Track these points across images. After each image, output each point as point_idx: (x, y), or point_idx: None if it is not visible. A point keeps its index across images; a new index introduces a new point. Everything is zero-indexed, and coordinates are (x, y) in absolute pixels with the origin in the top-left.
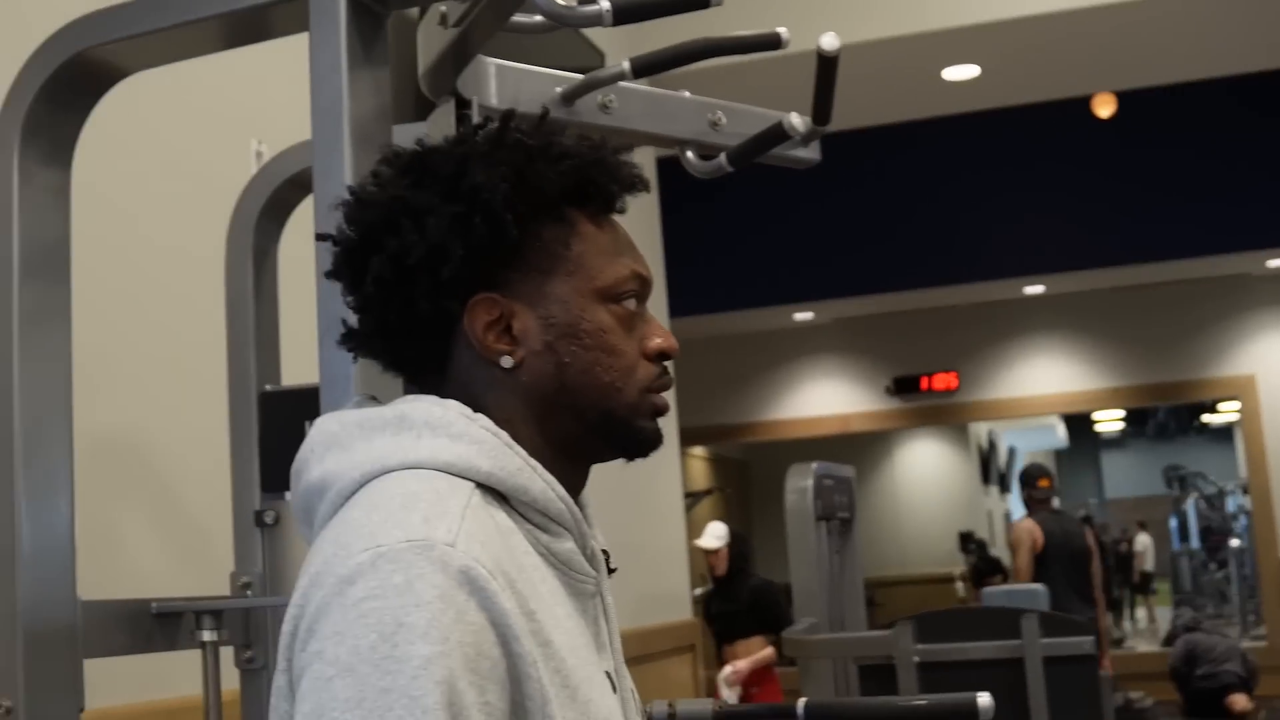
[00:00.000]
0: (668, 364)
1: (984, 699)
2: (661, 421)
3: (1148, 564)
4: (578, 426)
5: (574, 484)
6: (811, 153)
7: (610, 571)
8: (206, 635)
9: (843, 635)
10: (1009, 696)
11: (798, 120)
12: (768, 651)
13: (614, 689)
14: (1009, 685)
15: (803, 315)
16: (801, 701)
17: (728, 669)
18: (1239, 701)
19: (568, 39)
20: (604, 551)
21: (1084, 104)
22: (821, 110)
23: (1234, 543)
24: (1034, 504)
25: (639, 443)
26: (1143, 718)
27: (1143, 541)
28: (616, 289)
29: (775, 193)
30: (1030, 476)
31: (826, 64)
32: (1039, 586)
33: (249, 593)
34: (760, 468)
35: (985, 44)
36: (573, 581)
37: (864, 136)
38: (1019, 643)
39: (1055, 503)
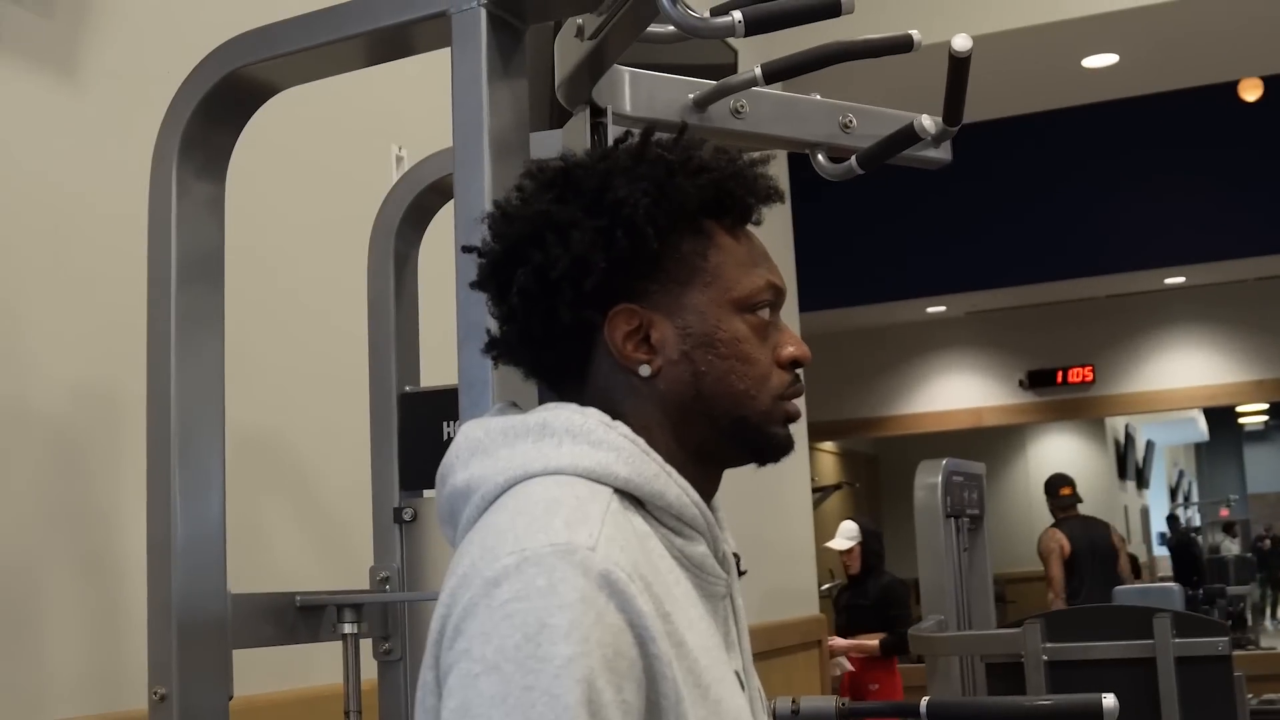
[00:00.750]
0: (800, 371)
1: (1109, 700)
2: (791, 426)
3: None
4: (712, 433)
5: (707, 489)
6: (943, 153)
7: (740, 574)
8: (347, 628)
9: (970, 633)
10: (1140, 697)
11: (929, 122)
12: (872, 641)
13: (742, 688)
14: (1140, 685)
15: (935, 308)
16: (925, 700)
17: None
18: None
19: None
20: (734, 554)
21: (1228, 89)
22: (953, 111)
23: None
24: (1059, 512)
25: (772, 448)
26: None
27: None
28: (752, 299)
29: (907, 184)
30: (1053, 486)
31: (958, 65)
32: (1174, 586)
33: (387, 587)
34: (890, 462)
35: (1124, 31)
36: (705, 583)
37: (1000, 126)
38: (1150, 642)
39: (1079, 509)
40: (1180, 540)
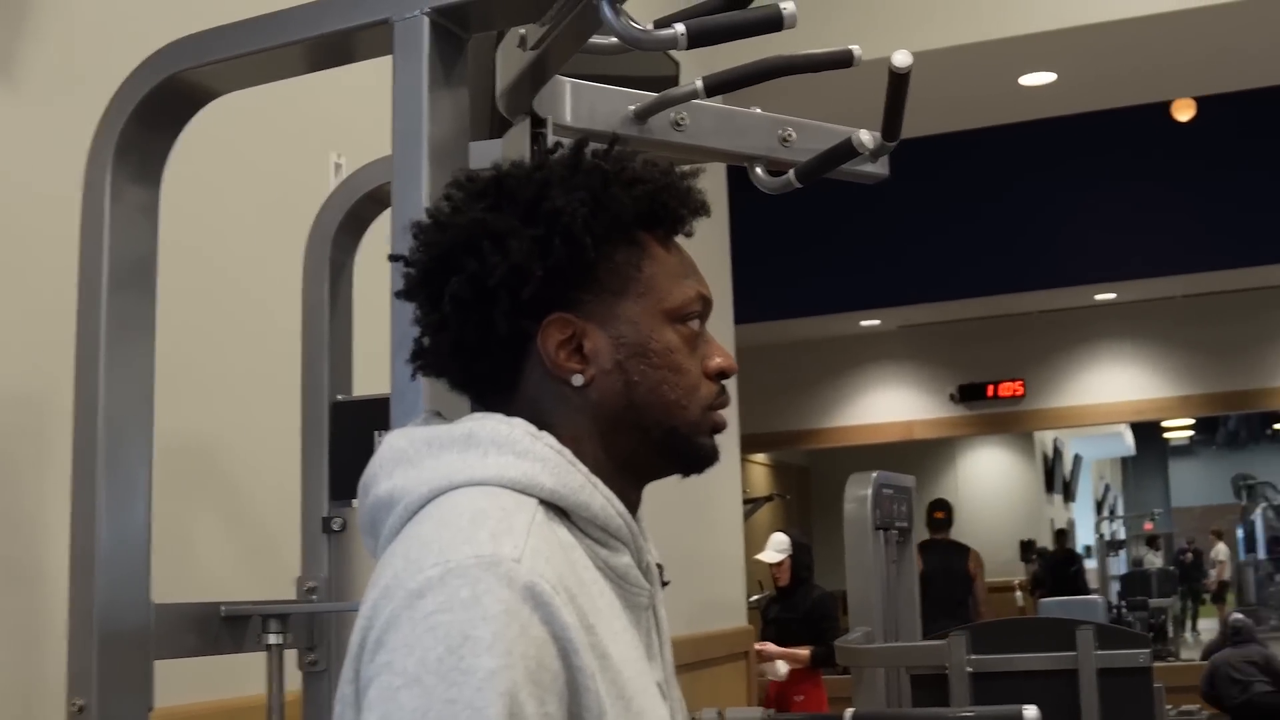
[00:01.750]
0: (725, 383)
1: (1030, 711)
2: (719, 436)
3: (1226, 574)
4: (642, 443)
5: (631, 500)
6: (880, 168)
7: (664, 584)
8: (272, 639)
9: (895, 645)
10: (1063, 708)
11: (867, 137)
12: (803, 652)
13: (664, 699)
14: (1063, 696)
15: (869, 322)
16: (849, 711)
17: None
18: None
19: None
20: (658, 565)
21: (1162, 109)
22: (892, 126)
23: None
24: (928, 533)
25: (699, 459)
26: None
27: (1221, 551)
28: (683, 310)
29: (844, 199)
30: (929, 508)
31: (898, 81)
32: (1097, 598)
33: (314, 597)
34: (822, 474)
35: (1062, 50)
36: (628, 594)
37: (937, 141)
38: (1074, 654)
39: (948, 533)
40: (1059, 557)
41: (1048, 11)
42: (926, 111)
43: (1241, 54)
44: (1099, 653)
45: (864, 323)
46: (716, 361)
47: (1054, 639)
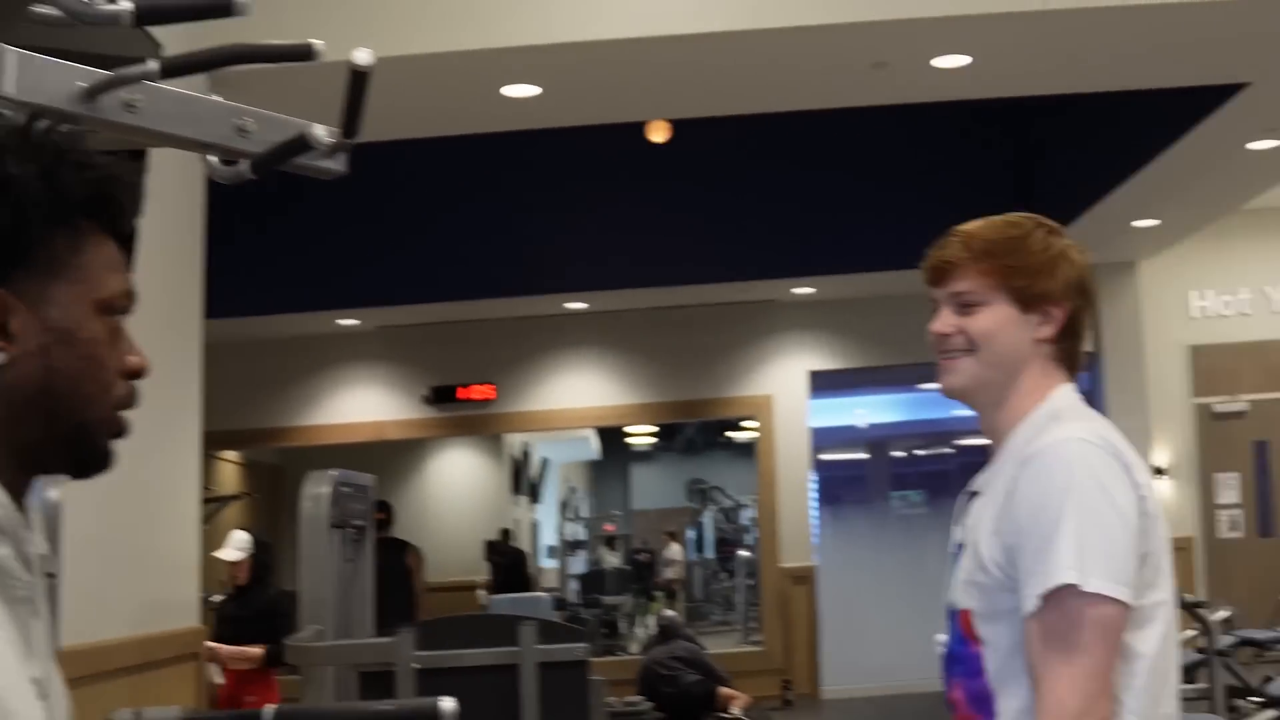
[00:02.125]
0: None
1: (447, 704)
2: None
3: (679, 572)
4: (48, 433)
5: (19, 489)
6: (338, 164)
7: (49, 577)
8: None
9: (342, 642)
10: (507, 702)
11: (323, 131)
12: (256, 651)
13: (43, 696)
14: (507, 690)
15: (346, 321)
16: (269, 707)
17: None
18: (726, 696)
19: (129, 30)
20: (42, 557)
21: (639, 129)
22: (350, 123)
23: (743, 553)
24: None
25: (95, 461)
26: None
27: (675, 551)
28: (114, 302)
29: (326, 198)
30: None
31: (358, 78)
32: (544, 595)
33: None
34: (296, 474)
35: (544, 64)
36: (5, 587)
37: (420, 147)
38: (517, 649)
39: (389, 531)
40: (514, 559)
41: (532, 25)
42: (411, 115)
43: (715, 81)
44: (539, 647)
45: (341, 322)
46: (133, 360)
47: (500, 635)
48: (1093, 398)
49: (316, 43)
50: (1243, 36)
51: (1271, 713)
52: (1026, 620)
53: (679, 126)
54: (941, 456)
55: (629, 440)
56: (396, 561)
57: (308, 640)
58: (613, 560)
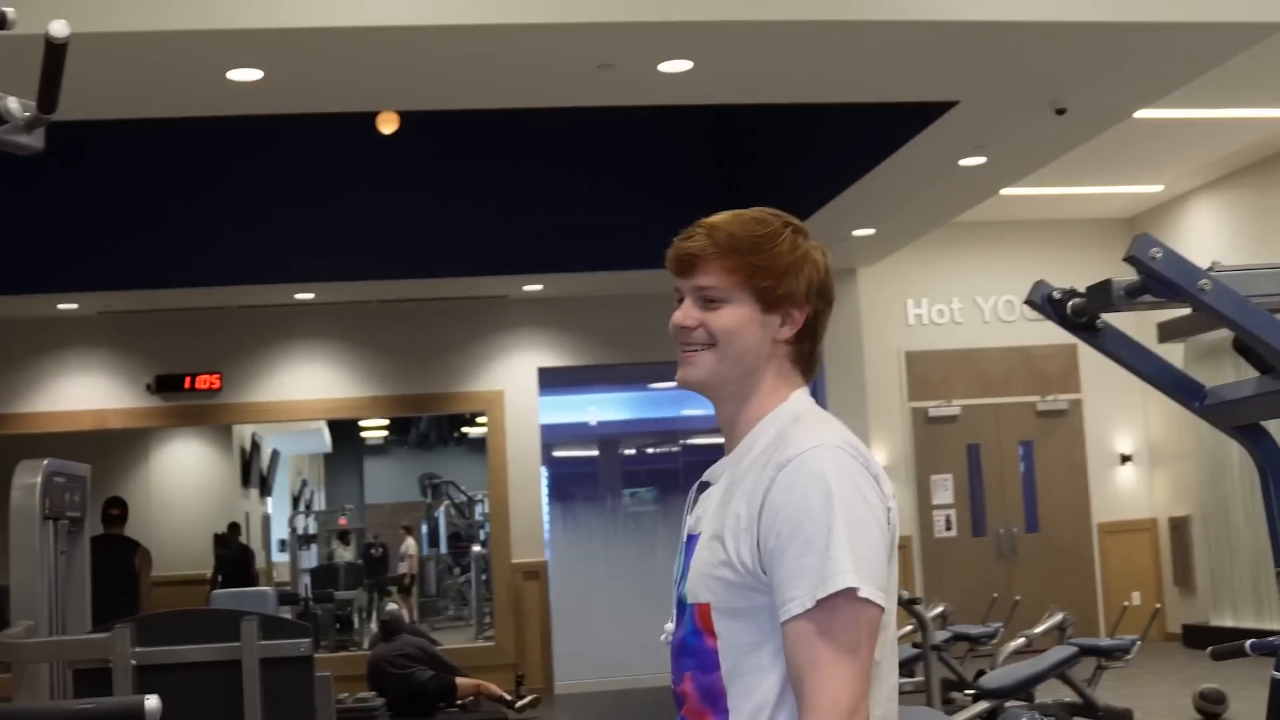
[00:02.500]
0: None
1: (152, 701)
2: None
3: (414, 566)
4: None
5: None
6: (35, 140)
7: None
8: None
9: (56, 639)
10: (229, 698)
11: (15, 105)
12: None
13: None
14: (230, 687)
15: (66, 305)
16: None
17: None
18: (465, 688)
19: None
20: None
21: (370, 119)
22: (47, 97)
23: (477, 548)
24: (105, 527)
25: None
26: (370, 717)
27: (410, 546)
28: None
29: (50, 179)
30: (106, 504)
31: (54, 51)
32: (268, 589)
33: None
34: (11, 463)
35: (269, 49)
36: None
37: (147, 128)
38: (238, 645)
39: (122, 529)
40: (239, 553)
41: (256, 8)
42: (135, 95)
43: (441, 74)
44: (262, 643)
45: (62, 306)
46: None
47: (222, 631)
48: (815, 400)
49: (8, 10)
50: (952, 56)
51: (984, 705)
52: (792, 621)
53: (411, 119)
54: (671, 455)
55: (362, 433)
56: (124, 561)
57: (18, 636)
58: (346, 554)
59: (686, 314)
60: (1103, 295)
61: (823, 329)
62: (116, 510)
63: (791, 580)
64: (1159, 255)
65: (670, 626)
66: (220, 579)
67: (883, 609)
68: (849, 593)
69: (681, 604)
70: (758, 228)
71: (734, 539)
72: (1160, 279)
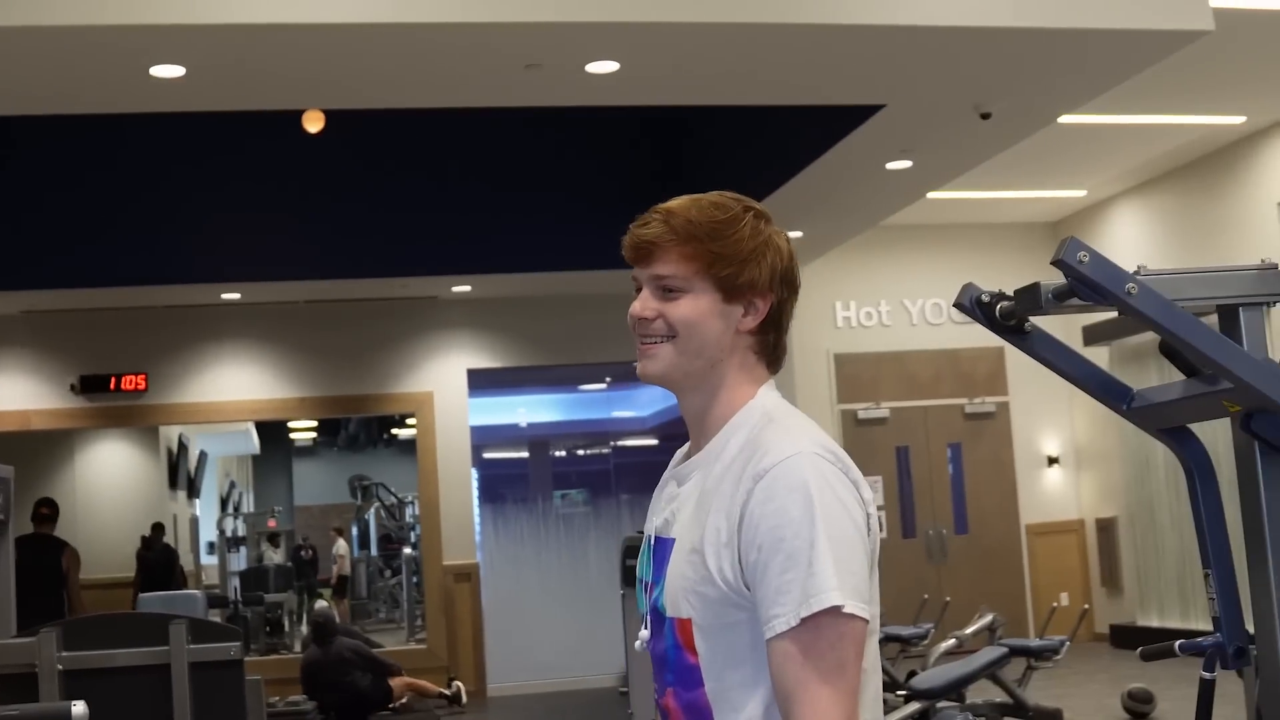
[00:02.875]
0: None
1: (78, 707)
2: None
3: (347, 568)
4: None
5: None
6: None
7: None
8: None
9: None
10: (159, 703)
11: None
12: None
13: None
14: (159, 691)
15: None
16: None
17: None
18: (400, 687)
19: None
20: None
21: (296, 117)
22: None
23: (408, 550)
24: (35, 526)
25: None
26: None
27: (341, 547)
28: None
29: None
30: (37, 504)
31: None
32: (197, 593)
33: None
34: None
35: (191, 45)
36: None
37: (67, 124)
38: (167, 649)
39: (52, 529)
40: (163, 555)
41: (178, 4)
42: (56, 90)
43: (367, 73)
44: (191, 647)
45: None
46: None
47: (150, 635)
48: None
49: None
50: (878, 60)
51: (916, 706)
52: (777, 639)
53: (336, 118)
54: (602, 456)
55: (291, 435)
56: (52, 561)
57: None
58: (275, 557)
59: (644, 305)
60: (1031, 298)
61: (788, 318)
62: (46, 510)
63: (775, 597)
64: (1086, 259)
65: (646, 634)
66: (142, 581)
67: (867, 621)
68: (833, 610)
69: (658, 614)
70: (717, 213)
71: (715, 554)
72: (1088, 283)
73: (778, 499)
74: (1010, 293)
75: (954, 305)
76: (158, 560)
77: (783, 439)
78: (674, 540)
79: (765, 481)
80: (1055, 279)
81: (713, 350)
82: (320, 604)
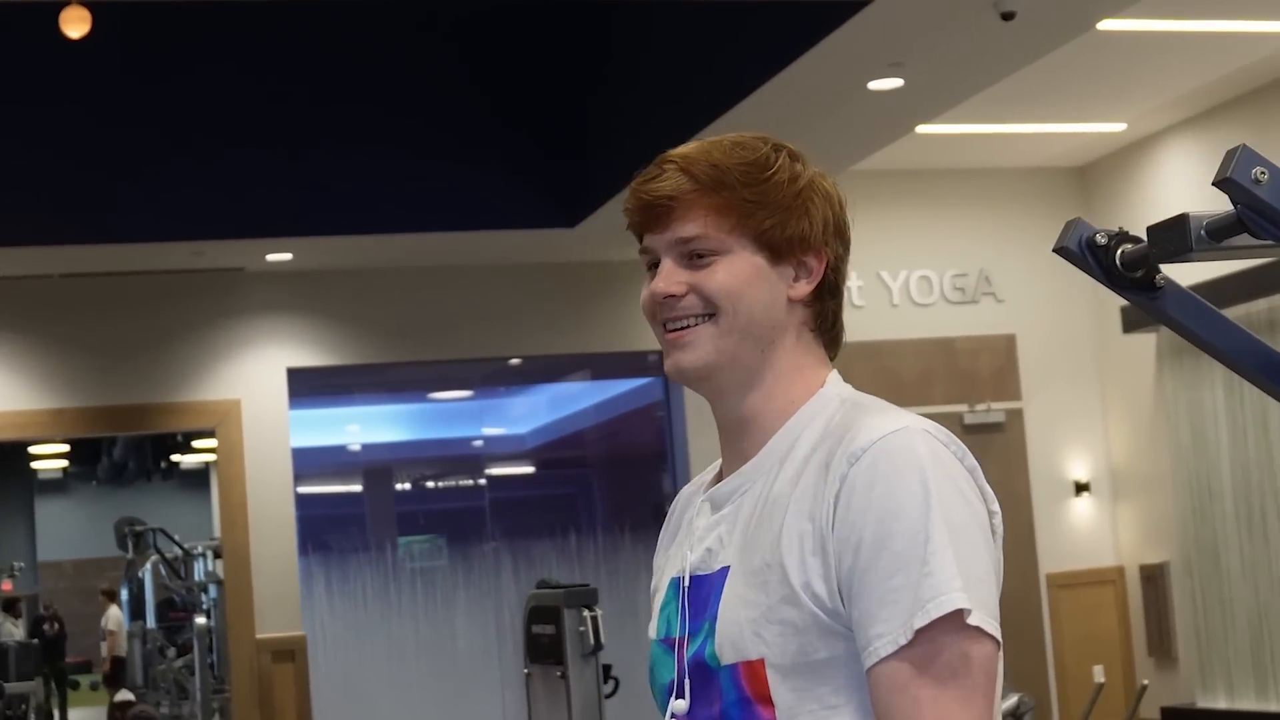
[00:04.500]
0: None
1: None
2: None
3: (121, 646)
4: None
5: None
6: None
7: None
8: None
9: None
10: None
11: None
12: None
13: None
14: None
15: None
16: None
17: None
18: None
19: None
20: None
21: (52, 16)
22: None
23: (200, 620)
24: None
25: None
26: None
27: (113, 618)
28: None
29: None
30: None
31: None
32: None
33: None
34: None
35: None
36: None
37: None
38: None
39: None
40: None
41: None
42: None
43: None
44: None
45: None
46: None
47: None
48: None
49: None
50: None
51: None
52: (881, 665)
53: (106, 13)
54: (468, 490)
55: (32, 464)
56: None
57: None
58: (15, 631)
59: (670, 279)
60: (1175, 237)
61: (843, 282)
62: None
63: (878, 609)
64: (1265, 177)
65: (683, 705)
66: None
67: (999, 644)
68: (956, 618)
69: (705, 670)
70: (742, 152)
71: (799, 566)
72: (1269, 212)
73: (882, 482)
74: (1134, 233)
75: (1056, 250)
76: None
77: (878, 417)
78: (724, 570)
79: (865, 463)
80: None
81: (763, 327)
82: (124, 695)
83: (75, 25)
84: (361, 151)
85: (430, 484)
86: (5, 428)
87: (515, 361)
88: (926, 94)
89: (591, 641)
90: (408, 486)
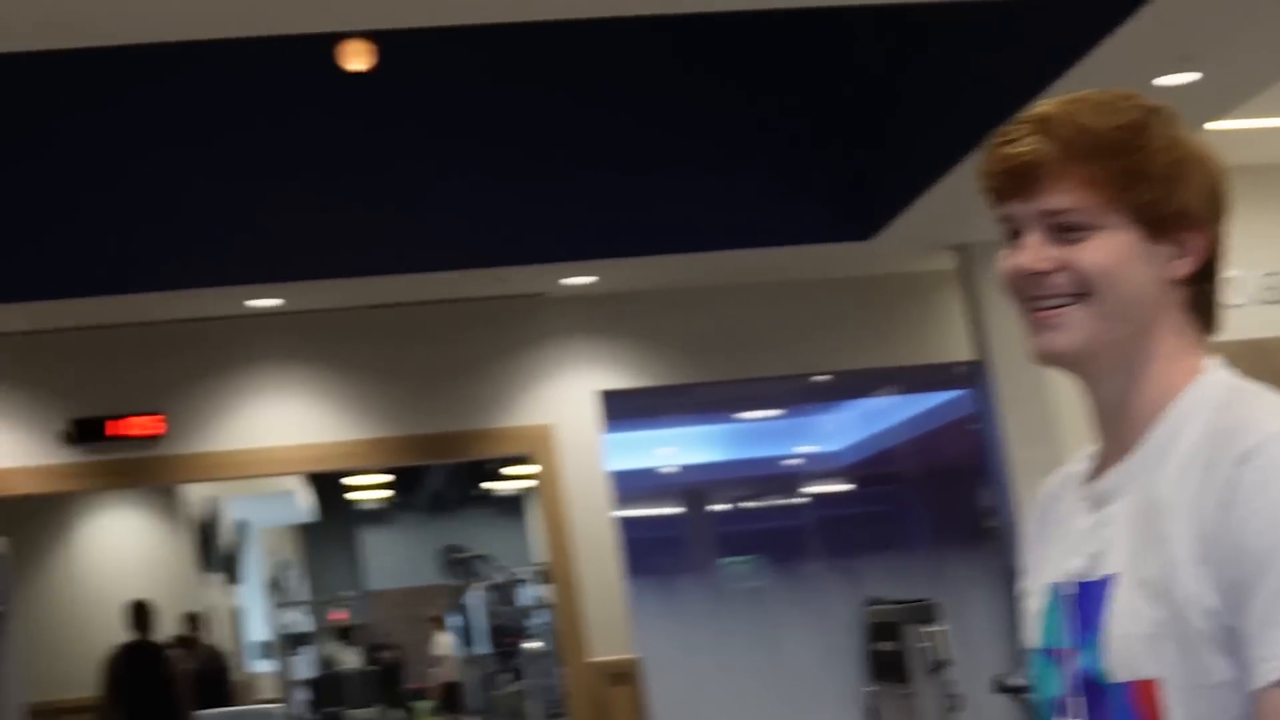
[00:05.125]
0: None
1: None
2: None
3: (455, 672)
4: None
5: None
6: None
7: None
8: None
9: None
10: None
11: None
12: None
13: None
14: None
15: None
16: None
17: None
18: None
19: None
20: None
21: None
22: None
23: (530, 645)
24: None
25: None
26: None
27: (442, 643)
28: None
29: None
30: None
31: None
32: (274, 707)
33: None
34: None
35: None
36: None
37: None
38: None
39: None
40: (211, 661)
41: None
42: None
43: None
44: None
45: None
46: None
47: None
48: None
49: None
50: None
51: None
52: (1269, 690)
53: (384, 46)
54: (783, 510)
55: (352, 495)
56: (154, 668)
57: None
58: (351, 659)
59: (1038, 253)
60: None
61: (1224, 261)
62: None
63: (1263, 631)
64: None
65: None
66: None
67: None
68: None
69: (1095, 687)
70: (1114, 115)
71: (1189, 578)
72: None
73: (1274, 488)
74: None
75: None
76: (207, 668)
77: (1267, 411)
78: (1112, 578)
79: (1258, 463)
80: None
81: (1138, 309)
82: None
83: (357, 57)
84: (664, 173)
85: (749, 504)
86: (328, 458)
87: (820, 378)
88: (1224, 88)
89: (938, 657)
90: (726, 507)
